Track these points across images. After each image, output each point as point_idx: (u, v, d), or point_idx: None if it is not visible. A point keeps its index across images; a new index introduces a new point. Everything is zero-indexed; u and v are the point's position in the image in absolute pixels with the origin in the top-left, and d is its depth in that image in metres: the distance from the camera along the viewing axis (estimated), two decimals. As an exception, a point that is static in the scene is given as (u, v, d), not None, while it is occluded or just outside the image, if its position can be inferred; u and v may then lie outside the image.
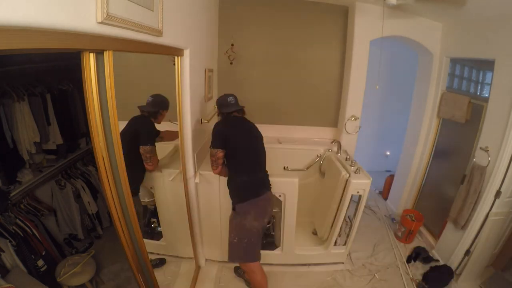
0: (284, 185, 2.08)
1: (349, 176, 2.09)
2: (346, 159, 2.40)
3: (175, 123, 1.84)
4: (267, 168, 1.90)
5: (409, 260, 2.51)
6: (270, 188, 1.84)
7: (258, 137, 1.85)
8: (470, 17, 2.23)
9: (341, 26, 2.71)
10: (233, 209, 1.80)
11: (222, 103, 1.80)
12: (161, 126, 2.44)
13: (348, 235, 2.30)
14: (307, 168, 2.82)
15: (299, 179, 2.09)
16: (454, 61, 2.60)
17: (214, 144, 1.69)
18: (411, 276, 2.35)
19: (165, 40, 1.32)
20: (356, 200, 2.18)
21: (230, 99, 1.79)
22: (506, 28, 1.93)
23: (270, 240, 2.47)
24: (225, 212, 2.15)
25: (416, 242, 2.79)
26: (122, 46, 0.99)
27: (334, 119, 2.99)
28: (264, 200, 1.75)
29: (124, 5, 0.92)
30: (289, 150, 2.81)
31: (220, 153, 1.68)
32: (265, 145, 2.83)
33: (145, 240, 1.36)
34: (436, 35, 2.63)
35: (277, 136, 2.93)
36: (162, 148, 2.33)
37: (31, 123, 1.98)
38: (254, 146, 1.80)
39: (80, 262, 1.94)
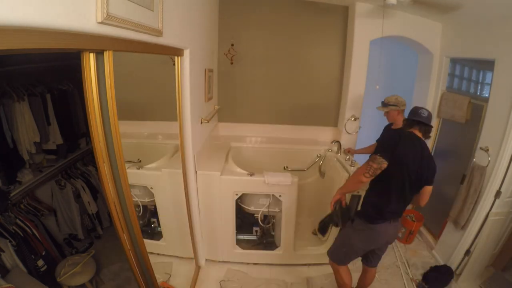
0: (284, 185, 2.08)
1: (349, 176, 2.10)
2: (346, 159, 2.40)
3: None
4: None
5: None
6: (398, 220, 1.69)
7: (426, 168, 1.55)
8: (470, 17, 2.23)
9: (341, 26, 2.71)
10: (352, 220, 1.71)
11: (414, 110, 1.62)
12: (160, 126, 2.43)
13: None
14: (307, 168, 2.82)
15: (299, 179, 2.09)
16: (454, 61, 2.60)
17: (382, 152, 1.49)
18: (411, 276, 2.35)
19: (165, 40, 1.32)
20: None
21: (422, 111, 1.58)
22: (506, 28, 1.93)
23: (270, 240, 2.47)
24: (225, 212, 2.16)
25: (416, 242, 2.79)
26: (122, 46, 0.99)
27: (334, 119, 2.99)
28: (384, 229, 1.63)
29: (124, 5, 0.92)
30: (289, 150, 2.81)
31: (384, 165, 1.47)
32: (265, 145, 2.87)
33: (145, 240, 1.36)
34: (436, 35, 2.63)
35: (277, 136, 2.93)
36: (162, 148, 2.34)
37: (31, 123, 1.98)
38: (414, 176, 1.52)
39: (80, 262, 1.94)
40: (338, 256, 1.80)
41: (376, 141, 2.40)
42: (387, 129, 2.34)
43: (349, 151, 2.58)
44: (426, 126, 1.58)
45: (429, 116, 1.58)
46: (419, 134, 1.57)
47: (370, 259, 1.82)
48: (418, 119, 1.56)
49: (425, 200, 1.66)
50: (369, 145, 2.58)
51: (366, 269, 1.90)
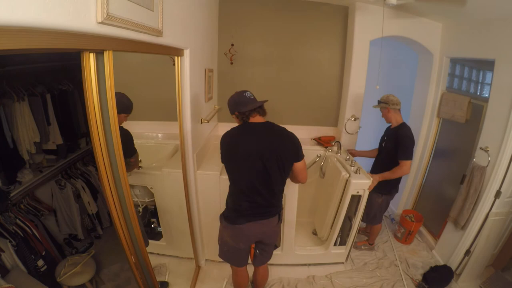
0: (284, 185, 2.08)
1: (349, 176, 2.10)
2: (346, 159, 2.40)
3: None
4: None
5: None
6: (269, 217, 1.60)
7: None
8: (470, 17, 2.23)
9: (341, 26, 2.71)
10: (222, 214, 1.71)
11: (238, 101, 1.48)
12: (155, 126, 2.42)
13: (348, 235, 2.30)
14: (307, 168, 2.81)
15: (299, 179, 2.08)
16: (454, 61, 2.60)
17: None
18: (411, 276, 2.35)
19: (165, 40, 1.32)
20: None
21: (247, 94, 1.49)
22: (506, 28, 1.93)
23: (270, 240, 2.47)
24: (225, 212, 2.15)
25: (416, 242, 2.79)
26: (122, 46, 0.99)
27: (334, 119, 2.99)
28: (248, 230, 1.59)
29: (124, 5, 0.92)
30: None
31: None
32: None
33: (145, 240, 1.36)
34: (436, 35, 2.63)
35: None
36: (162, 148, 2.34)
37: (31, 123, 1.97)
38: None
39: (80, 262, 1.94)
40: (224, 255, 1.78)
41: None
42: (386, 130, 2.42)
43: (351, 152, 2.60)
44: (260, 107, 1.52)
45: (250, 94, 1.52)
46: (261, 118, 1.54)
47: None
48: (252, 106, 1.47)
49: (300, 177, 1.57)
50: (371, 149, 2.64)
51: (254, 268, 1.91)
